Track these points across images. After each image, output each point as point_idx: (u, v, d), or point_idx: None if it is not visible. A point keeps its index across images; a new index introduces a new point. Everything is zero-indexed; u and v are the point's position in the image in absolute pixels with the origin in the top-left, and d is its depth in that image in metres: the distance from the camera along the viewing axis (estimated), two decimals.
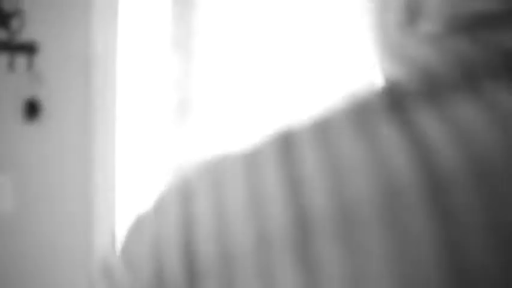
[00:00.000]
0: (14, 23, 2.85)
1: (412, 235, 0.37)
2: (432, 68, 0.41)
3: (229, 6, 2.87)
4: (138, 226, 0.44)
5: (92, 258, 2.96)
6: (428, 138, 0.38)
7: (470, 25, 0.42)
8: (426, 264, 0.36)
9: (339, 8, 2.69)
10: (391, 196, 0.38)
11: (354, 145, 0.40)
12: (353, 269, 0.37)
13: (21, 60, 2.87)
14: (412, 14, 0.44)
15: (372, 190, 0.38)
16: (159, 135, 3.02)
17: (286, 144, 0.41)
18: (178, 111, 2.96)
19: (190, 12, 2.91)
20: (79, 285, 2.96)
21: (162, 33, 2.96)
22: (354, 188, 0.38)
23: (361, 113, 0.41)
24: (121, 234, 0.46)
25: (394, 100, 0.40)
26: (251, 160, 0.42)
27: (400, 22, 0.46)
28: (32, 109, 2.88)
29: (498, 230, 0.37)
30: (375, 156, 0.39)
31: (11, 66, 2.85)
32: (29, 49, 2.85)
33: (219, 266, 0.39)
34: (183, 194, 0.43)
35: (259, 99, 2.88)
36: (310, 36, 2.75)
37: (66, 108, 2.92)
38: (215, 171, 0.43)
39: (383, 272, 0.36)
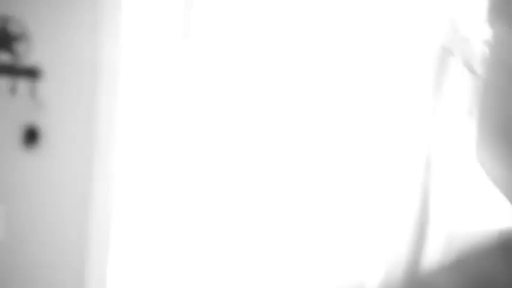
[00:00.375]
0: (19, 47, 2.76)
1: None
2: None
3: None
4: None
5: None
6: None
7: None
8: None
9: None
10: None
11: None
12: None
13: (23, 85, 2.78)
14: None
15: None
16: (163, 165, 2.83)
17: None
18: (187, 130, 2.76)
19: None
20: None
21: (168, 69, 2.77)
22: None
23: None
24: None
25: None
26: None
27: None
28: (32, 136, 2.78)
29: None
30: None
31: (13, 90, 2.77)
32: (33, 74, 2.75)
33: None
34: None
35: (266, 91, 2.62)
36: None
37: (67, 137, 2.79)
38: None
39: None
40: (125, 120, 2.78)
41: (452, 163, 2.41)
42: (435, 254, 2.41)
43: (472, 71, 2.31)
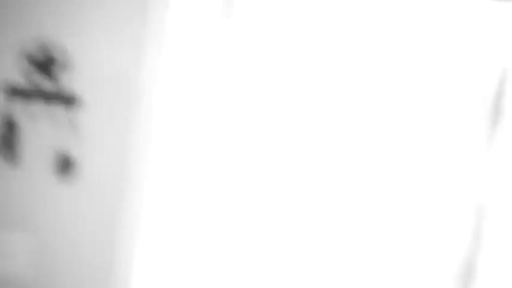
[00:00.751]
0: (61, 74, 2.69)
1: None
2: None
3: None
4: None
5: None
6: None
7: None
8: None
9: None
10: None
11: None
12: None
13: (61, 112, 2.70)
14: None
15: None
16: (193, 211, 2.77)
17: None
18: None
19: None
20: None
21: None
22: None
23: None
24: None
25: None
26: None
27: None
28: (65, 165, 2.69)
29: None
30: None
31: (50, 117, 2.69)
32: (72, 102, 2.68)
33: None
34: None
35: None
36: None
37: (101, 170, 2.71)
38: None
39: None
40: (162, 157, 2.72)
41: (505, 210, 2.44)
42: None
43: None
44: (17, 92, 2.66)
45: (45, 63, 2.68)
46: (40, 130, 2.69)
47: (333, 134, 2.62)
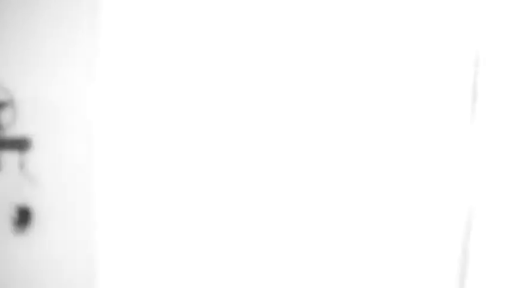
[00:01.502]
0: (5, 116, 2.42)
1: None
2: None
3: None
4: None
5: None
6: None
7: None
8: None
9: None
10: None
11: None
12: None
13: (11, 158, 2.42)
14: None
15: None
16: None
17: None
18: None
19: None
20: None
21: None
22: None
23: None
24: None
25: None
26: None
27: None
28: (23, 217, 2.40)
29: None
30: None
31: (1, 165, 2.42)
32: (21, 145, 2.39)
33: None
34: None
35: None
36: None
37: (63, 218, 2.39)
38: None
39: None
40: (125, 193, 2.36)
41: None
42: None
43: None
44: None
45: None
46: None
47: (311, 133, 2.16)
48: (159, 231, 2.31)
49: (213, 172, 2.24)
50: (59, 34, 2.34)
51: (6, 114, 2.41)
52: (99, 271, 2.32)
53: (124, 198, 2.32)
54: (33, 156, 2.40)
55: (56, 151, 2.38)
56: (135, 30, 2.29)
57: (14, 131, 2.41)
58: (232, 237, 2.25)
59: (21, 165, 2.40)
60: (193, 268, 2.29)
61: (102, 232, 2.33)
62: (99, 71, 2.32)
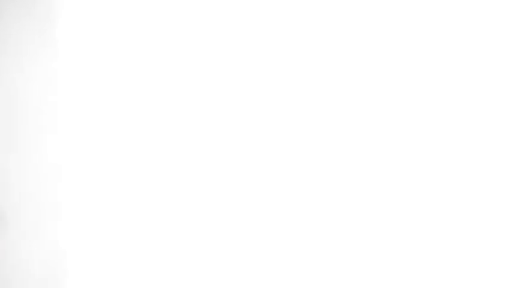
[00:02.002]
0: None
1: None
2: None
3: None
4: None
5: None
6: None
7: None
8: None
9: None
10: None
11: None
12: None
13: None
14: None
15: None
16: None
17: None
18: None
19: None
20: None
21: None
22: None
23: None
24: None
25: None
26: None
27: None
28: None
29: None
30: None
31: None
32: None
33: None
34: None
35: None
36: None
37: (31, 218, 2.43)
38: None
39: None
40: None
41: None
42: None
43: None
44: None
45: None
46: None
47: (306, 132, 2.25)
48: (130, 231, 2.37)
49: (193, 171, 2.32)
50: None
51: None
52: (68, 271, 2.37)
53: (95, 197, 2.38)
54: None
55: (25, 150, 2.42)
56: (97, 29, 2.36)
57: None
58: (213, 242, 2.32)
59: None
60: (166, 263, 2.36)
61: (72, 232, 2.38)
62: (65, 69, 2.37)
